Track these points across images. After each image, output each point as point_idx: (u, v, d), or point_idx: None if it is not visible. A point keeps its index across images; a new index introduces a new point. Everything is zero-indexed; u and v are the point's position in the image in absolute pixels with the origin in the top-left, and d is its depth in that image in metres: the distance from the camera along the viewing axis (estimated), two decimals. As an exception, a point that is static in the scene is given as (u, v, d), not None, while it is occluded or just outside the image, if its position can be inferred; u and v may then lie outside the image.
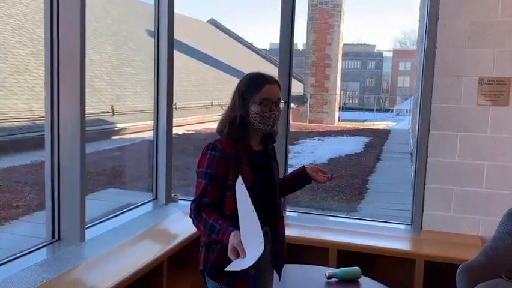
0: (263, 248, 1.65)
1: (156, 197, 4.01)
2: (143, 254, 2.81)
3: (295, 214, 4.10)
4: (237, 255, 1.68)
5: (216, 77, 16.40)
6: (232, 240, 1.71)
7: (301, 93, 21.15)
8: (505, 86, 3.44)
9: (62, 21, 2.81)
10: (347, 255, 3.24)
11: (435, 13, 3.52)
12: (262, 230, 1.69)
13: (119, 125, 8.19)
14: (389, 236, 3.54)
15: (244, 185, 1.74)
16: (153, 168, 4.01)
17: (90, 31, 7.06)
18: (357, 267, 2.66)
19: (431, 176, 3.62)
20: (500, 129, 3.48)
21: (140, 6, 12.35)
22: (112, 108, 8.39)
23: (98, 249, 2.83)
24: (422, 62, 3.69)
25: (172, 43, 3.94)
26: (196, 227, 1.88)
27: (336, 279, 2.60)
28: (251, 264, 1.65)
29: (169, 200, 3.99)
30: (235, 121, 1.91)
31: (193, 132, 9.39)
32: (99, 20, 10.64)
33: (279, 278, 2.11)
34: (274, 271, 2.12)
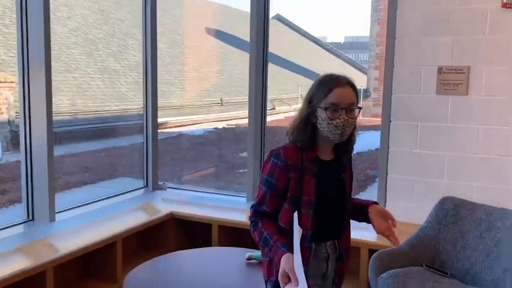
0: None
1: (147, 185, 4.34)
2: (98, 233, 3.12)
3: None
4: (287, 281, 1.52)
5: (273, 73, 16.54)
6: (284, 264, 1.54)
7: (365, 87, 20.66)
8: (464, 75, 3.30)
9: (30, 25, 3.18)
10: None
11: (394, 3, 3.46)
12: (319, 244, 1.70)
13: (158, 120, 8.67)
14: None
15: (296, 220, 1.54)
16: (143, 159, 4.34)
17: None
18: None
19: (392, 167, 3.57)
20: (459, 118, 3.34)
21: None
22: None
23: (61, 227, 3.24)
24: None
25: (155, 44, 4.23)
26: (252, 234, 1.74)
27: (256, 261, 2.70)
28: None
29: (156, 187, 4.29)
30: (300, 126, 1.71)
31: (234, 126, 9.68)
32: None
33: None
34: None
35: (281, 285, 1.54)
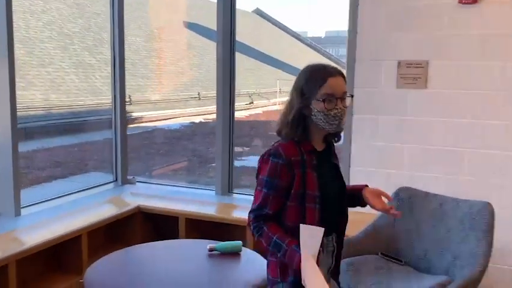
0: None
1: (116, 179, 4.35)
2: (63, 227, 3.12)
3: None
4: None
5: (252, 67, 16.54)
6: (304, 266, 1.54)
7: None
8: (423, 69, 3.38)
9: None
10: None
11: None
12: (327, 238, 1.67)
13: (135, 114, 8.64)
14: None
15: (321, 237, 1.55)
16: (112, 153, 4.35)
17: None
18: (239, 241, 2.80)
19: (355, 159, 3.65)
20: (418, 111, 3.43)
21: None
22: (129, 98, 8.85)
23: (27, 221, 3.24)
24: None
25: (122, 38, 4.23)
26: (257, 239, 1.71)
27: (218, 252, 2.75)
28: None
29: (125, 181, 4.31)
30: (294, 121, 1.68)
31: (211, 120, 9.71)
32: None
33: (338, 285, 1.88)
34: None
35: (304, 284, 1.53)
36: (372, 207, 1.77)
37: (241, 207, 3.66)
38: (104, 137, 6.58)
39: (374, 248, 2.79)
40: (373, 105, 3.54)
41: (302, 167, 1.66)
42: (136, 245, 2.92)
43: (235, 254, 2.76)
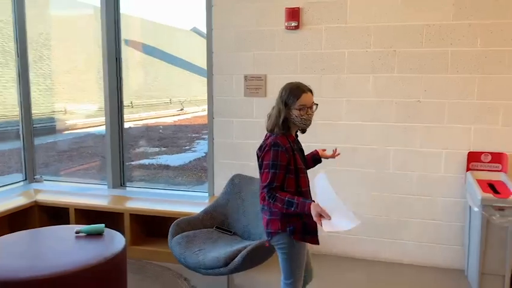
0: (359, 222, 2.07)
1: (26, 178, 4.59)
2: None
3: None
4: (321, 218, 2.04)
5: (185, 78, 16.77)
6: (314, 208, 2.06)
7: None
8: (262, 81, 3.87)
9: None
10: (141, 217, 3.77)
11: (210, 24, 3.95)
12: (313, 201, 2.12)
13: (69, 122, 8.75)
14: (185, 202, 4.02)
15: (325, 175, 2.18)
16: (21, 155, 4.59)
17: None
18: (103, 224, 3.13)
19: (217, 153, 4.09)
20: (261, 115, 3.88)
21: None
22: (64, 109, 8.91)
23: None
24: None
25: (25, 55, 4.48)
26: (273, 205, 2.16)
27: (84, 234, 3.07)
28: (346, 229, 2.04)
29: (32, 180, 4.56)
30: (283, 123, 2.22)
31: (140, 125, 9.96)
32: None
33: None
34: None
35: (318, 223, 2.05)
36: (327, 157, 2.55)
37: (128, 198, 4.01)
38: (38, 142, 6.74)
39: (211, 224, 3.21)
40: (228, 110, 3.99)
41: (291, 150, 2.23)
42: (20, 232, 3.18)
43: (99, 235, 3.08)
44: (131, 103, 11.36)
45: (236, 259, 2.63)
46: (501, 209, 3.02)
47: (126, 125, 10.67)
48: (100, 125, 10.27)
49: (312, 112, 2.27)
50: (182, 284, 3.37)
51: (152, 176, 6.23)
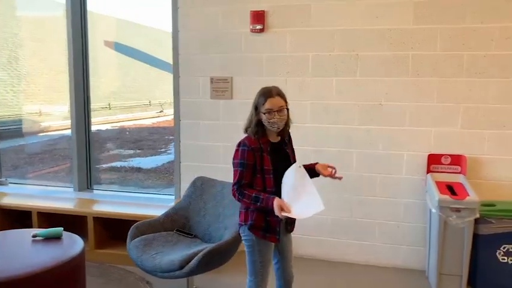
0: (323, 208, 2.16)
1: (-4, 181, 4.46)
2: None
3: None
4: (282, 211, 2.13)
5: (166, 80, 16.60)
6: (276, 202, 2.15)
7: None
8: (229, 83, 3.81)
9: None
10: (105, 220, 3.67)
11: (176, 26, 3.89)
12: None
13: (44, 124, 8.56)
14: (151, 205, 3.94)
15: (302, 167, 2.25)
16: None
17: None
18: (61, 228, 3.03)
19: (184, 156, 4.02)
20: (228, 117, 3.86)
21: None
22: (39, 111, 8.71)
23: None
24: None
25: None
26: (241, 201, 2.25)
27: (41, 238, 2.97)
28: (306, 216, 2.15)
29: (-4, 184, 4.43)
30: (254, 125, 2.26)
31: (117, 127, 9.83)
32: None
33: (291, 230, 2.46)
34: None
35: (279, 215, 2.14)
36: (324, 175, 2.37)
37: (93, 201, 3.92)
38: (10, 144, 6.54)
39: (172, 226, 3.14)
40: (195, 113, 3.92)
41: (260, 151, 2.24)
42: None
43: (57, 238, 2.98)
44: (108, 105, 11.22)
45: (191, 262, 2.57)
46: (458, 210, 3.03)
47: (103, 127, 10.49)
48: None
49: (281, 116, 2.24)
50: (144, 287, 3.29)
51: (123, 178, 6.12)
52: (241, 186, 2.24)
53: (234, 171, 2.27)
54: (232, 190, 2.27)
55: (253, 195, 2.21)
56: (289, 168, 2.24)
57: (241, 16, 3.70)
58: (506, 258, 3.15)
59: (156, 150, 8.70)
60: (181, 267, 2.59)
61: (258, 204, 2.21)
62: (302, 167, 2.27)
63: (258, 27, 3.66)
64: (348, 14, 3.51)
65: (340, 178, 2.40)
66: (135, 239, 2.93)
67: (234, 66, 3.78)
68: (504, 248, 3.15)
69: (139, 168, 6.98)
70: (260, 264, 2.32)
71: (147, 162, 7.45)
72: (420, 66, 3.41)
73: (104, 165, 6.08)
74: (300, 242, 3.76)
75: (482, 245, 3.18)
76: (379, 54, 3.48)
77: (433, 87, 3.42)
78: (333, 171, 2.38)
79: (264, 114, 2.22)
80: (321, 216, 3.73)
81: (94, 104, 11.55)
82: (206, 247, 2.70)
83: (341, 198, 3.69)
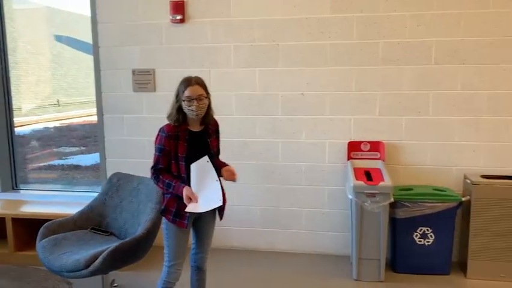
0: (220, 204, 2.24)
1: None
2: None
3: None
4: (190, 201, 2.18)
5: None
6: (185, 191, 2.19)
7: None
8: (151, 75, 3.62)
9: None
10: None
11: (95, 17, 3.65)
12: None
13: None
14: (76, 204, 3.71)
15: (209, 162, 2.25)
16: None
17: None
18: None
19: (109, 151, 3.81)
20: (152, 111, 3.67)
21: None
22: None
23: None
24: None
25: None
26: (156, 185, 2.27)
27: None
28: (205, 210, 2.21)
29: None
30: (174, 112, 2.25)
31: (67, 124, 9.41)
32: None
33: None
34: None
35: (186, 203, 2.18)
36: (224, 178, 2.34)
37: (17, 201, 3.67)
38: None
39: (87, 225, 2.94)
40: (118, 107, 3.71)
41: (176, 139, 2.24)
42: None
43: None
44: (57, 101, 10.72)
45: (96, 261, 2.39)
46: (372, 195, 2.99)
47: (50, 125, 9.97)
48: (26, 125, 9.50)
49: (199, 104, 2.22)
50: (63, 288, 3.08)
51: (58, 177, 5.82)
52: (157, 170, 2.27)
53: (154, 155, 2.29)
54: (150, 172, 2.29)
55: (167, 181, 2.24)
56: (198, 160, 2.24)
57: (161, 6, 3.51)
58: (422, 240, 3.15)
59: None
60: (87, 266, 2.41)
61: (170, 190, 2.24)
62: (210, 162, 2.27)
63: (178, 17, 3.48)
64: (267, 3, 3.39)
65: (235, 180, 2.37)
66: (44, 239, 2.72)
67: (156, 58, 3.59)
68: (420, 230, 3.15)
69: (78, 165, 6.66)
70: (171, 249, 2.31)
71: (87, 159, 7.13)
72: (338, 55, 3.35)
73: (41, 164, 5.75)
74: (230, 233, 3.65)
75: (399, 229, 3.17)
76: (298, 44, 3.39)
77: (351, 76, 3.36)
78: (234, 178, 2.33)
79: (184, 101, 2.22)
80: (250, 207, 3.63)
81: (41, 101, 10.97)
82: (120, 243, 2.54)
83: (269, 188, 3.60)
